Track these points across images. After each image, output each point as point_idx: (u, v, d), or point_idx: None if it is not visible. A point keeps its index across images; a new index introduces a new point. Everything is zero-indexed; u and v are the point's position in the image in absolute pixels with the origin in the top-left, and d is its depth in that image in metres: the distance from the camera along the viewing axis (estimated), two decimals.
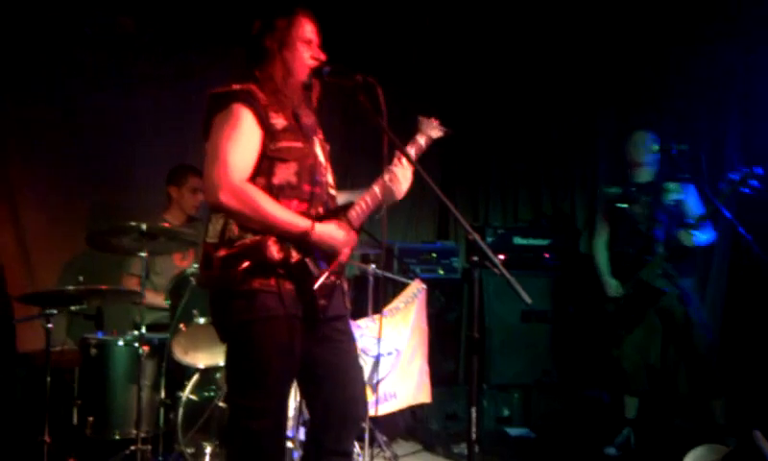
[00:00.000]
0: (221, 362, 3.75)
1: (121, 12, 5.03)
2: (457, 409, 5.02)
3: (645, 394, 4.75)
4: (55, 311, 3.69)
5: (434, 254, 5.24)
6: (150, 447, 3.70)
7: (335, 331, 2.69)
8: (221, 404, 3.72)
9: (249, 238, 2.50)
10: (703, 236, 4.43)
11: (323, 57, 2.70)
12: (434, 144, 2.87)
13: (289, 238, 2.53)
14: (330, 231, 2.59)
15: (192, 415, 3.72)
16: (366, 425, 3.83)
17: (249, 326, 2.52)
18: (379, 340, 4.01)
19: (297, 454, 3.64)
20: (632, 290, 4.60)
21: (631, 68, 5.58)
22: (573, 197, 6.05)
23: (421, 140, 2.81)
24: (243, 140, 2.53)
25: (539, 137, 6.08)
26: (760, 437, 3.32)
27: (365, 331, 4.12)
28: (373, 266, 4.21)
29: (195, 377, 3.80)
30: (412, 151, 2.77)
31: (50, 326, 3.66)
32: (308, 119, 2.71)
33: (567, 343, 5.27)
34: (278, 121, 2.59)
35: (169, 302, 3.99)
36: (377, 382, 4.06)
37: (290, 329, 2.54)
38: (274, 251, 2.50)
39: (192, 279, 3.79)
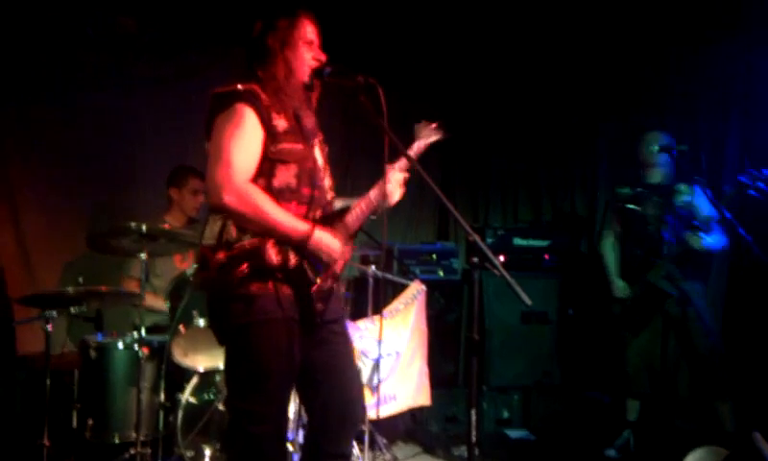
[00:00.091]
0: (221, 365, 3.72)
1: (122, 13, 5.02)
2: (457, 411, 5.01)
3: (646, 397, 4.74)
4: (54, 313, 3.68)
5: (434, 256, 5.23)
6: (149, 450, 3.69)
7: (332, 333, 2.70)
8: (221, 407, 3.70)
9: (247, 241, 2.50)
10: (711, 239, 4.39)
11: (324, 57, 2.71)
12: (434, 145, 2.89)
13: (287, 242, 2.52)
14: (328, 240, 2.59)
15: (192, 418, 3.70)
16: (366, 428, 3.82)
17: (247, 329, 2.51)
18: (380, 342, 4.00)
19: (296, 457, 3.63)
20: (639, 292, 4.58)
21: (631, 68, 5.56)
22: (573, 197, 6.05)
23: (419, 145, 2.83)
24: (246, 141, 2.52)
25: (539, 138, 6.07)
26: (760, 439, 3.31)
27: (364, 333, 4.11)
28: (373, 267, 4.20)
29: (195, 380, 3.78)
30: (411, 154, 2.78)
31: (50, 328, 3.66)
32: (309, 121, 2.70)
33: (568, 345, 5.26)
34: (280, 122, 2.59)
35: (169, 304, 3.97)
36: (377, 384, 4.05)
37: (288, 332, 2.54)
38: (272, 254, 2.50)
39: (192, 280, 3.78)
